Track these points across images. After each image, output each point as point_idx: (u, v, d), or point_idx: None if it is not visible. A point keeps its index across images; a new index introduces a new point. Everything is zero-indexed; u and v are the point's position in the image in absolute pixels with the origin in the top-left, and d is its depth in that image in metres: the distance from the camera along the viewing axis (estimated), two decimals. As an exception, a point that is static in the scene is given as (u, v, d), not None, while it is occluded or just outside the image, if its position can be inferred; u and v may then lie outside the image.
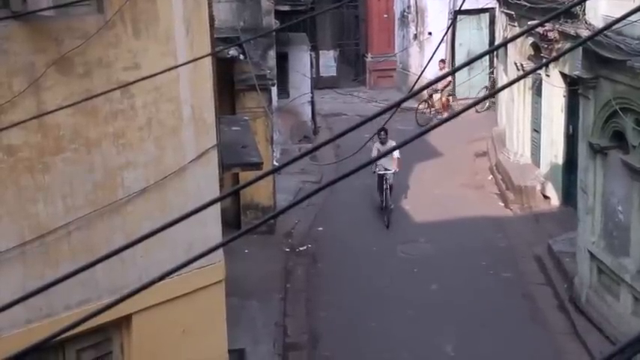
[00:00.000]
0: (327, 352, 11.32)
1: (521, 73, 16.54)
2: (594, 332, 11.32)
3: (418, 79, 16.96)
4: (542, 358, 10.92)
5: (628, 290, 10.84)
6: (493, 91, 23.19)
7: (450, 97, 24.51)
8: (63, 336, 5.33)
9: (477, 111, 22.76)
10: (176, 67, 6.63)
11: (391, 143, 15.81)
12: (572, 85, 14.37)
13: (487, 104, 23.30)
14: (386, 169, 15.98)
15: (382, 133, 15.44)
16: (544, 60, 15.62)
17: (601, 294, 11.60)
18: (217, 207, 7.58)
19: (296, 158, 2.95)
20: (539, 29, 14.91)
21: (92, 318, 2.42)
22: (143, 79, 6.16)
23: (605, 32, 10.00)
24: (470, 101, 24.24)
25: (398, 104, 2.75)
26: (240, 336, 10.50)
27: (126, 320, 6.90)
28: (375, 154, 15.31)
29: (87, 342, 6.79)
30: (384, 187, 15.95)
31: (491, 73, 24.56)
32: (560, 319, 12.03)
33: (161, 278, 2.54)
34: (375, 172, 15.99)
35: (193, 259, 2.56)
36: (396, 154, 16.03)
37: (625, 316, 10.87)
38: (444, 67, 23.84)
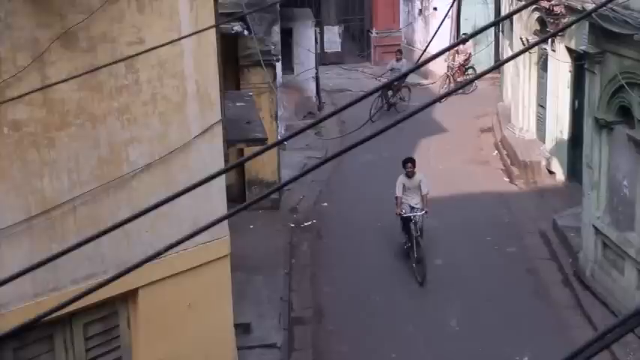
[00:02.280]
0: (331, 327, 11.39)
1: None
2: (599, 306, 11.36)
3: (422, 54, 16.85)
4: (547, 333, 10.96)
5: (633, 265, 10.86)
6: (475, 76, 22.86)
7: (410, 88, 22.15)
8: (70, 309, 5.37)
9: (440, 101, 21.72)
10: (180, 39, 6.61)
11: (419, 176, 13.03)
12: (578, 60, 14.30)
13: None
14: (413, 209, 12.89)
15: (409, 164, 12.94)
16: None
17: (606, 268, 11.62)
18: (222, 182, 7.61)
19: (299, 131, 2.96)
20: (545, 3, 14.80)
21: (98, 289, 2.45)
22: (145, 51, 6.15)
23: (611, 6, 9.92)
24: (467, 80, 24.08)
25: (401, 77, 2.75)
26: (246, 310, 10.57)
27: (132, 294, 6.95)
28: (399, 190, 12.88)
29: (94, 316, 6.85)
30: (413, 233, 12.71)
31: (454, 60, 23.73)
32: (564, 294, 12.08)
33: (166, 250, 2.56)
34: (399, 214, 12.86)
35: (199, 231, 2.59)
36: (425, 188, 12.88)
37: (629, 291, 10.90)
38: (400, 58, 22.59)
